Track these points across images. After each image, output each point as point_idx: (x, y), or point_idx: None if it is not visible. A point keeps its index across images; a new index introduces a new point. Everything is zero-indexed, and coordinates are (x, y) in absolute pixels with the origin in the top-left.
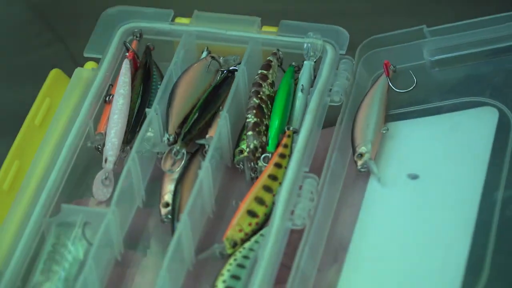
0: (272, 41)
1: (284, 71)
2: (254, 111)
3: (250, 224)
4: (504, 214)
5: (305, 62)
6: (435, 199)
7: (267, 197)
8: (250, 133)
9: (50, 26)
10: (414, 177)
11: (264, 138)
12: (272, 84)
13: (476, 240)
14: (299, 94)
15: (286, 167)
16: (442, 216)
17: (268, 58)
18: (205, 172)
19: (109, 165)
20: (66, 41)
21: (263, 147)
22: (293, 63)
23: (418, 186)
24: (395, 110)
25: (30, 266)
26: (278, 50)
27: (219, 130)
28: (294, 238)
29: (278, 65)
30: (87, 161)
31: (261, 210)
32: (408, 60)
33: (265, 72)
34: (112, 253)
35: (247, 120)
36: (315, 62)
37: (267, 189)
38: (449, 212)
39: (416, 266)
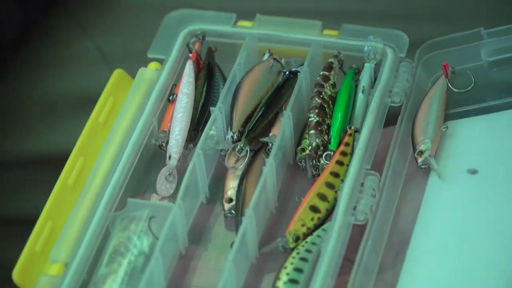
0: (333, 44)
1: (344, 73)
2: (317, 110)
3: (312, 219)
4: None
5: (366, 64)
6: (494, 193)
7: (329, 193)
8: (312, 131)
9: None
10: (473, 172)
11: (325, 137)
12: (333, 85)
13: None
14: (360, 95)
15: (348, 165)
16: (501, 211)
17: (329, 60)
18: (269, 169)
19: (173, 162)
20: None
21: (325, 146)
22: (353, 66)
23: (477, 181)
24: (454, 109)
25: (95, 259)
26: (339, 52)
27: (283, 129)
28: (354, 233)
29: (339, 67)
30: (150, 158)
31: (323, 206)
32: (466, 62)
33: (326, 73)
34: (177, 247)
35: (310, 119)
36: (375, 64)
37: (329, 185)
38: (508, 206)
39: (475, 259)
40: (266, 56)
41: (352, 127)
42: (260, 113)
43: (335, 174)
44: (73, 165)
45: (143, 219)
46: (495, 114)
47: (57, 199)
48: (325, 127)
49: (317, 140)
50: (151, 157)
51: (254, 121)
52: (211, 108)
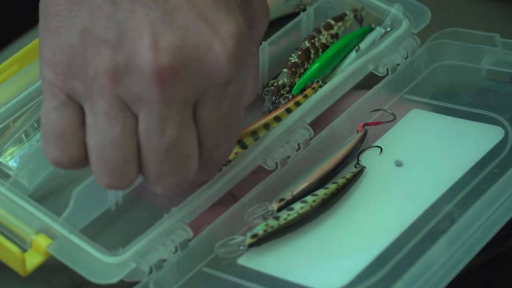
0: None
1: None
2: (299, 52)
3: (236, 153)
4: (436, 227)
5: (377, 27)
6: (407, 188)
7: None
8: (285, 70)
9: None
10: (399, 164)
11: (296, 80)
12: (334, 36)
13: (396, 243)
14: (353, 54)
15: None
16: (388, 209)
17: (345, 11)
18: None
19: None
20: None
21: (291, 88)
22: (372, 25)
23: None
24: (423, 99)
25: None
26: (362, 8)
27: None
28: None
29: (359, 23)
30: None
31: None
32: (466, 60)
33: (332, 22)
34: None
35: (289, 58)
36: (388, 30)
37: (266, 128)
38: (395, 207)
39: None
40: None
41: (319, 82)
42: None
43: (278, 119)
44: None
45: None
46: (455, 119)
47: None
48: (302, 71)
49: (285, 79)
50: None
51: None
52: None
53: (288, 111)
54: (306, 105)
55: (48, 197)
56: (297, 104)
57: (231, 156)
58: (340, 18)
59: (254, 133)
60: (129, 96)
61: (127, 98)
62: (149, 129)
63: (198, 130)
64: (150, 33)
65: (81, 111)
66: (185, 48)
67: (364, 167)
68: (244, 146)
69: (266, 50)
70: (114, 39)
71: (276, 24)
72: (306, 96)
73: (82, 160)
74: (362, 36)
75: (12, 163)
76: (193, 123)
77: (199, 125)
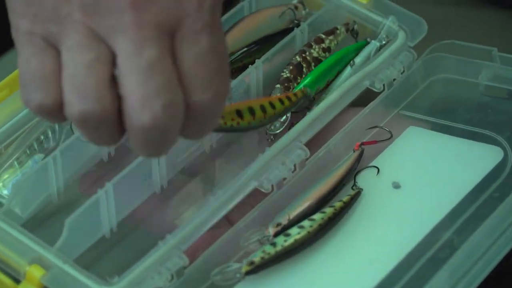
0: (354, 10)
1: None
2: (291, 67)
3: (233, 119)
4: (435, 255)
5: (372, 41)
6: (405, 212)
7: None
8: (278, 85)
9: None
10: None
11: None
12: (326, 50)
13: (395, 272)
14: (348, 69)
15: (275, 114)
16: (386, 234)
17: (336, 25)
18: None
19: None
20: None
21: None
22: (368, 39)
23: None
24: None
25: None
26: (354, 22)
27: (244, 76)
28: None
29: (354, 37)
30: None
31: (248, 119)
32: (464, 75)
33: (323, 36)
34: None
35: (281, 73)
36: (384, 44)
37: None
38: (393, 233)
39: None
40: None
41: (309, 91)
42: (241, 54)
43: (263, 108)
44: None
45: None
46: (450, 138)
47: None
48: (295, 85)
49: (278, 95)
50: None
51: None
52: None
53: (272, 106)
54: (302, 124)
55: (41, 225)
56: (281, 102)
57: (231, 123)
58: (331, 32)
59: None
60: (103, 28)
61: (101, 31)
62: (126, 54)
63: (180, 68)
64: None
65: (59, 55)
66: None
67: (361, 189)
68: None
69: (260, 68)
70: None
71: (270, 39)
72: (289, 99)
73: None
74: (357, 51)
75: (4, 191)
76: (170, 53)
77: (181, 62)
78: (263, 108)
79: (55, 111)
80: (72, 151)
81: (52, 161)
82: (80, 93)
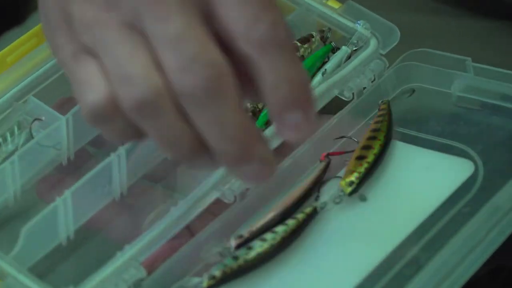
0: (324, 15)
1: None
2: None
3: None
4: (401, 272)
5: (343, 47)
6: (371, 226)
7: None
8: None
9: None
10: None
11: (260, 105)
12: (301, 59)
13: (360, 286)
14: (319, 77)
15: None
16: (351, 249)
17: (312, 32)
18: None
19: None
20: None
21: (256, 113)
22: (332, 43)
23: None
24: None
25: None
26: (329, 29)
27: None
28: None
29: (324, 43)
30: None
31: None
32: (436, 84)
33: (298, 44)
34: None
35: None
36: (354, 50)
37: None
38: (358, 248)
39: None
40: None
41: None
42: None
43: None
44: None
45: None
46: (422, 150)
47: None
48: None
49: (247, 105)
50: None
51: None
52: None
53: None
54: (267, 132)
55: None
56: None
57: None
58: (307, 40)
59: None
60: (129, 15)
61: (128, 19)
62: (155, 30)
63: (225, 17)
64: None
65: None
66: None
67: (326, 202)
68: None
69: None
70: None
71: None
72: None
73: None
74: (324, 56)
75: None
76: (201, 15)
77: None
78: None
79: (111, 110)
80: (30, 155)
81: (9, 166)
82: (130, 83)
